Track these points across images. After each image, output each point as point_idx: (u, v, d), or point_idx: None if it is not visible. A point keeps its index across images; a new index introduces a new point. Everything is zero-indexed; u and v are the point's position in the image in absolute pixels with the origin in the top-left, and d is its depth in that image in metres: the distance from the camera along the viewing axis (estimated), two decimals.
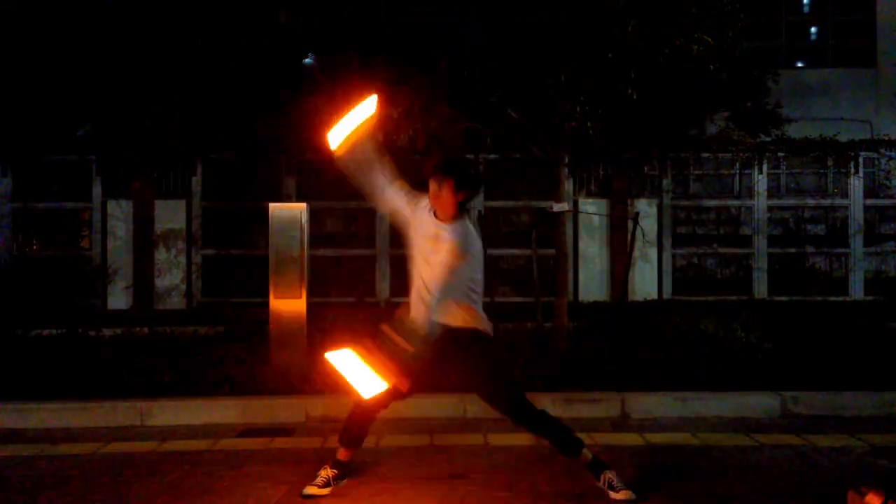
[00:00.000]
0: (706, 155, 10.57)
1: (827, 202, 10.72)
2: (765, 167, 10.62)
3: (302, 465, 3.76)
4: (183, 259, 10.18)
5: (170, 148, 9.05)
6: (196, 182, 10.34)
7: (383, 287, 10.36)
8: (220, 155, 10.11)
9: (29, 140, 9.55)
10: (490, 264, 9.59)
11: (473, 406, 4.71)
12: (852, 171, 10.58)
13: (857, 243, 10.56)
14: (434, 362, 3.20)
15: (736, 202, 10.80)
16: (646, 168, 10.36)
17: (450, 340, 3.16)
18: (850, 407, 4.83)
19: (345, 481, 3.41)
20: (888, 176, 10.67)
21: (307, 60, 9.00)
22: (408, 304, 3.22)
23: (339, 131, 3.18)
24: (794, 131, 10.15)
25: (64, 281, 10.02)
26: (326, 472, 3.36)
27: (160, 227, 10.11)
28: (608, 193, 10.39)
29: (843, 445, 4.15)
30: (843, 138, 10.58)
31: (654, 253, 10.36)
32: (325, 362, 3.02)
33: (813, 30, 13.50)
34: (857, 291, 10.49)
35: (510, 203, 10.51)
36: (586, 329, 6.51)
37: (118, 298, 10.01)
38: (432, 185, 3.20)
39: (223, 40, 8.18)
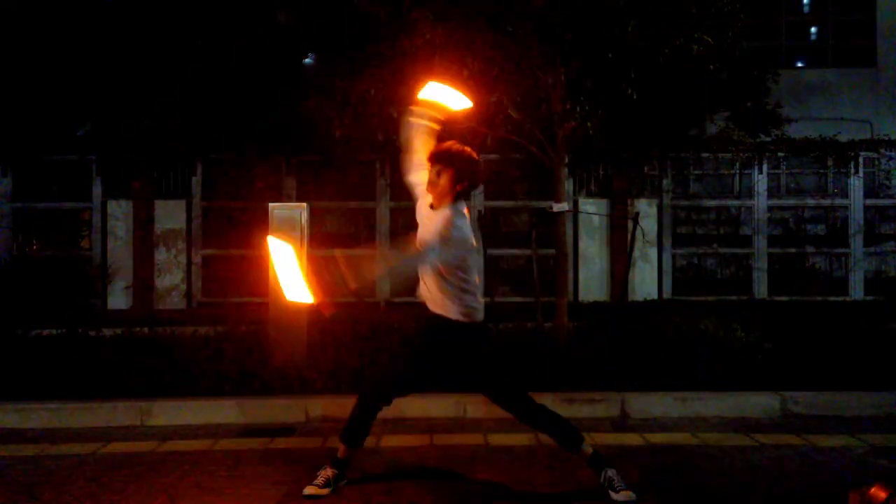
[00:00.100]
0: (706, 155, 10.57)
1: (827, 202, 10.72)
2: (765, 167, 10.62)
3: (302, 465, 3.76)
4: (183, 259, 10.18)
5: (170, 148, 9.05)
6: (196, 182, 10.34)
7: (383, 287, 10.36)
8: (220, 155, 10.11)
9: (29, 140, 9.55)
10: (490, 264, 9.61)
11: (473, 406, 4.72)
12: (852, 171, 10.58)
13: (857, 243, 10.56)
14: (422, 348, 3.32)
15: (736, 202, 10.80)
16: (646, 168, 10.36)
17: (431, 325, 3.28)
18: (850, 407, 4.83)
19: (345, 481, 3.41)
20: (888, 176, 10.67)
21: (307, 60, 9.01)
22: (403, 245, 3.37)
23: (436, 92, 3.36)
24: (794, 131, 10.15)
25: (64, 281, 10.01)
26: (326, 472, 3.36)
27: (160, 227, 10.11)
28: (608, 193, 10.39)
29: (843, 445, 4.15)
30: (843, 138, 10.58)
31: (654, 253, 10.36)
32: (265, 242, 3.03)
33: (813, 30, 13.49)
34: (857, 291, 10.49)
35: (510, 203, 10.51)
36: (586, 329, 6.50)
37: (118, 298, 10.01)
38: (431, 172, 3.22)
39: (223, 40, 8.18)
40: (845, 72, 12.82)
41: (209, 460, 3.93)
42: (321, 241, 10.07)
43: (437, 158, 3.23)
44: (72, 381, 5.08)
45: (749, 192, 10.71)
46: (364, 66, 6.09)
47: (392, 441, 4.26)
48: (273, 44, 8.53)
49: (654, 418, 4.77)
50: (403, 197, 9.93)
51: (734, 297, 10.12)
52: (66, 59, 8.18)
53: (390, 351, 3.44)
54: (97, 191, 10.25)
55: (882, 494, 2.61)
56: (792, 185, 10.83)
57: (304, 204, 5.51)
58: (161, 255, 10.10)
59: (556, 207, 5.98)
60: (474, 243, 3.25)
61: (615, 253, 10.13)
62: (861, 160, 10.58)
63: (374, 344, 5.78)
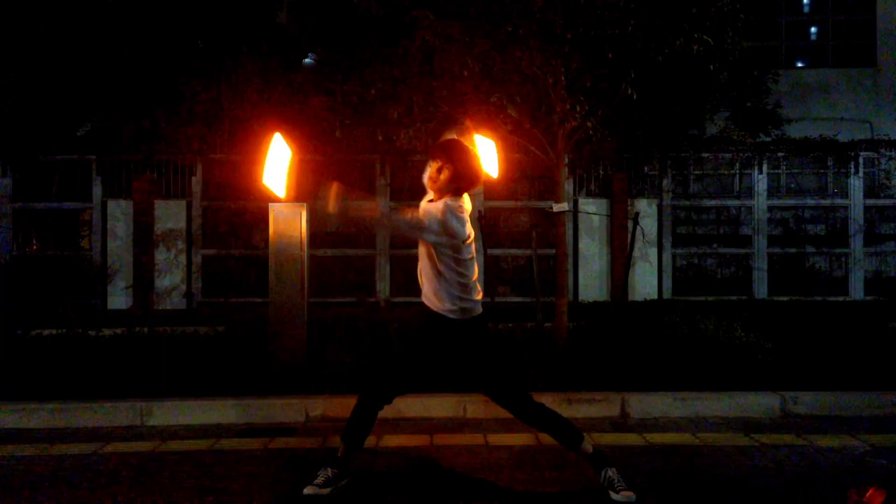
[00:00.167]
0: (706, 155, 10.58)
1: (827, 202, 10.73)
2: (765, 167, 10.62)
3: (302, 465, 3.76)
4: (183, 259, 10.18)
5: (170, 148, 9.06)
6: (196, 182, 10.34)
7: (383, 287, 10.36)
8: (220, 155, 10.11)
9: (29, 140, 9.56)
10: (490, 264, 9.61)
11: (473, 406, 4.72)
12: (852, 171, 10.58)
13: (857, 243, 10.57)
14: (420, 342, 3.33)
15: (736, 202, 10.80)
16: (646, 168, 10.36)
17: (430, 323, 3.30)
18: (850, 407, 4.83)
19: (345, 481, 3.40)
20: (888, 176, 10.67)
21: (307, 61, 9.01)
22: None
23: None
24: (794, 131, 10.17)
25: (64, 281, 10.03)
26: (326, 472, 3.36)
27: (160, 227, 10.12)
28: (608, 193, 10.39)
29: (843, 445, 4.15)
30: (843, 138, 10.59)
31: (654, 253, 10.36)
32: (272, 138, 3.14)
33: (813, 30, 13.50)
34: (857, 291, 10.50)
35: (510, 203, 10.52)
36: (586, 329, 6.50)
37: (118, 298, 10.01)
38: (432, 167, 3.23)
39: (223, 40, 8.19)
40: (845, 72, 12.84)
41: (209, 460, 3.93)
42: (321, 241, 10.09)
43: (438, 154, 3.24)
44: (72, 381, 5.08)
45: (749, 192, 10.71)
46: (364, 66, 6.09)
47: (392, 441, 4.26)
48: (272, 44, 8.54)
49: (654, 418, 4.77)
50: (403, 197, 9.98)
51: (734, 297, 10.13)
52: (66, 59, 8.19)
53: (391, 349, 3.45)
54: (97, 191, 10.25)
55: (880, 497, 2.62)
56: (792, 185, 10.83)
57: (304, 204, 5.51)
58: (161, 255, 10.11)
59: (556, 207, 5.98)
60: (468, 238, 3.24)
61: (615, 253, 10.14)
62: (861, 160, 10.58)
63: (374, 344, 5.78)
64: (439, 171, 3.22)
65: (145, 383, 5.06)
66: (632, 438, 4.34)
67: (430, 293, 3.27)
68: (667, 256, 10.54)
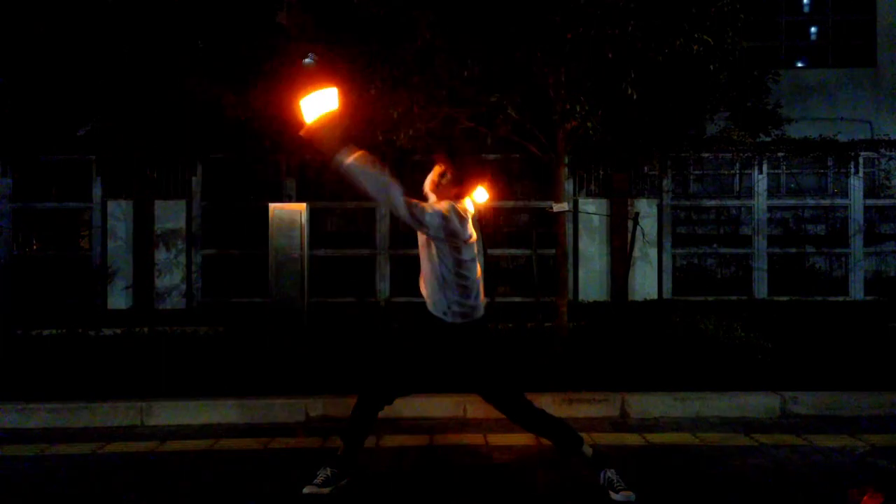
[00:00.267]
0: (706, 155, 10.58)
1: (827, 202, 10.73)
2: (765, 167, 10.63)
3: (302, 465, 3.76)
4: (183, 259, 10.18)
5: (170, 148, 9.06)
6: (196, 182, 10.34)
7: (383, 287, 10.36)
8: (220, 155, 10.12)
9: (29, 140, 9.56)
10: (490, 264, 9.61)
11: (473, 406, 4.72)
12: (852, 171, 10.59)
13: (857, 243, 10.57)
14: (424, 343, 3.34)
15: (736, 202, 10.80)
16: (646, 168, 10.36)
17: (431, 325, 3.31)
18: (850, 407, 4.83)
19: (345, 480, 3.40)
20: (888, 176, 10.67)
21: (307, 60, 9.00)
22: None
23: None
24: (794, 131, 10.16)
25: (64, 281, 10.04)
26: (326, 472, 3.36)
27: (160, 227, 10.12)
28: (608, 193, 10.39)
29: (843, 445, 4.15)
30: (843, 138, 10.60)
31: (654, 253, 10.36)
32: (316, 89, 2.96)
33: (813, 30, 13.49)
34: (857, 291, 10.50)
35: (510, 203, 10.52)
36: (586, 329, 6.50)
37: (118, 298, 10.01)
38: (435, 172, 3.28)
39: (224, 40, 8.18)
40: (845, 72, 12.82)
41: (209, 460, 3.93)
42: (321, 241, 10.09)
43: (443, 161, 3.29)
44: (72, 381, 5.08)
45: (749, 192, 10.71)
46: (364, 66, 6.09)
47: (392, 441, 4.26)
48: (272, 43, 8.53)
49: (654, 418, 4.77)
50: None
51: (734, 297, 10.13)
52: (66, 59, 8.18)
53: (392, 350, 3.46)
54: (97, 191, 10.26)
55: (877, 500, 2.62)
56: (792, 185, 10.83)
57: (304, 204, 5.51)
58: (161, 255, 10.11)
59: (556, 207, 5.98)
60: (469, 237, 3.25)
61: (615, 253, 10.14)
62: (861, 160, 10.59)
63: (374, 343, 5.78)
64: (442, 175, 3.31)
65: (145, 383, 5.06)
66: (632, 438, 4.34)
67: (431, 296, 3.28)
68: (667, 256, 10.54)
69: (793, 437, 4.33)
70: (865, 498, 2.65)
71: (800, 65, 13.27)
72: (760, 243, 10.60)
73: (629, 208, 10.06)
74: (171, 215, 10.16)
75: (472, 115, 6.01)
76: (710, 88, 6.57)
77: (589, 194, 10.50)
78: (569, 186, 10.31)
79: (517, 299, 9.63)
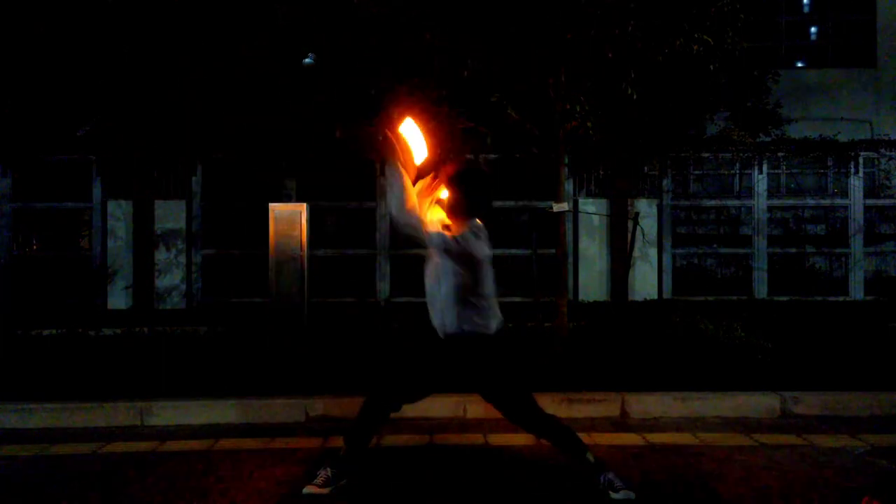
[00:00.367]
0: (706, 155, 10.58)
1: (827, 202, 10.73)
2: (765, 167, 10.63)
3: (302, 465, 3.76)
4: (183, 259, 10.18)
5: (170, 148, 9.06)
6: (196, 182, 10.34)
7: (383, 287, 10.36)
8: (220, 155, 10.11)
9: (29, 140, 9.56)
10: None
11: (473, 406, 4.72)
12: (852, 171, 10.59)
13: (857, 243, 10.57)
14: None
15: (736, 202, 10.80)
16: (646, 168, 10.36)
17: (444, 339, 3.31)
18: (850, 407, 4.83)
19: (345, 481, 3.41)
20: (888, 176, 10.68)
21: (307, 60, 9.00)
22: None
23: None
24: (794, 131, 10.17)
25: (64, 281, 10.04)
26: (327, 472, 3.36)
27: (160, 227, 10.12)
28: (608, 193, 10.39)
29: (843, 445, 4.15)
30: (843, 138, 10.59)
31: (654, 253, 10.36)
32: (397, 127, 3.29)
33: (813, 30, 13.50)
34: (857, 291, 10.50)
35: (510, 203, 10.52)
36: (586, 329, 6.50)
37: (118, 298, 10.02)
38: (450, 193, 3.31)
39: (224, 41, 8.18)
40: (845, 72, 12.83)
41: (209, 460, 3.93)
42: (321, 241, 10.09)
43: (452, 180, 3.29)
44: (72, 381, 5.08)
45: (749, 192, 10.71)
46: (364, 66, 6.10)
47: (392, 441, 4.26)
48: (274, 44, 8.53)
49: (654, 418, 4.77)
50: None
51: (734, 297, 10.13)
52: (67, 59, 8.18)
53: (401, 356, 3.48)
54: (97, 191, 10.26)
55: None
56: (792, 185, 10.84)
57: (304, 204, 5.52)
58: (161, 255, 10.11)
59: (556, 207, 5.98)
60: (481, 256, 3.25)
61: (615, 253, 10.14)
62: (861, 160, 10.58)
63: (374, 344, 5.78)
64: (452, 194, 3.30)
65: (145, 383, 5.06)
66: (632, 438, 4.33)
67: (445, 311, 3.27)
68: (667, 256, 10.54)
69: (793, 437, 4.32)
70: (865, 499, 2.66)
71: (800, 65, 13.28)
72: (760, 243, 10.60)
73: (629, 208, 10.06)
74: (171, 215, 10.16)
75: (472, 115, 6.02)
76: (710, 88, 6.59)
77: (589, 194, 10.50)
78: (569, 186, 10.31)
79: (517, 299, 9.62)
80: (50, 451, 4.14)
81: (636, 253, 9.80)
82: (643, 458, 3.96)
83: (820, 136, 10.55)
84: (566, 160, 6.41)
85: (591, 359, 5.46)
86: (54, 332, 6.67)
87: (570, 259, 10.16)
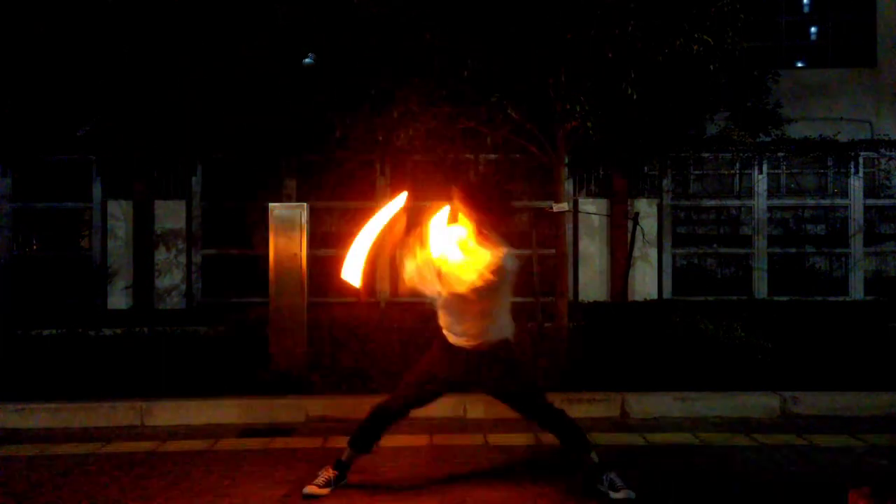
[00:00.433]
0: (706, 155, 10.57)
1: (827, 202, 10.72)
2: (765, 167, 10.62)
3: (302, 465, 3.76)
4: (183, 259, 10.18)
5: (170, 148, 9.06)
6: (196, 182, 10.34)
7: (383, 287, 10.36)
8: (220, 155, 10.11)
9: (29, 140, 9.56)
10: None
11: (473, 406, 4.72)
12: (852, 171, 10.58)
13: (857, 243, 10.56)
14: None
15: (736, 202, 10.80)
16: (646, 168, 10.36)
17: (460, 350, 3.42)
18: (850, 407, 4.83)
19: (344, 481, 3.41)
20: (888, 176, 10.67)
21: (307, 60, 8.99)
22: None
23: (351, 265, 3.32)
24: (794, 131, 10.16)
25: (64, 281, 10.03)
26: (327, 473, 3.37)
27: (160, 227, 10.11)
28: (608, 193, 10.38)
29: (843, 445, 4.15)
30: (843, 138, 10.58)
31: (654, 253, 10.36)
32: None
33: (813, 30, 13.50)
34: (857, 291, 10.49)
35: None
36: (586, 329, 6.50)
37: (118, 298, 10.01)
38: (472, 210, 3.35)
39: (224, 40, 8.18)
40: (845, 72, 12.83)
41: (209, 460, 3.93)
42: (321, 241, 10.09)
43: (471, 198, 3.36)
44: (72, 381, 5.08)
45: (749, 192, 10.71)
46: (364, 66, 6.09)
47: (392, 441, 4.25)
48: (274, 44, 8.53)
49: (654, 418, 4.77)
50: None
51: (734, 297, 10.12)
52: (66, 59, 8.18)
53: (415, 365, 3.50)
54: (97, 191, 10.25)
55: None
56: (792, 185, 10.83)
57: (304, 204, 5.51)
58: (161, 255, 10.10)
59: (556, 207, 5.97)
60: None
61: (615, 253, 10.13)
62: (861, 160, 10.58)
63: (374, 344, 5.78)
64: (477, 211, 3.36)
65: (145, 383, 5.06)
66: (632, 438, 4.34)
67: (478, 323, 3.32)
68: (667, 256, 10.54)
69: (793, 437, 4.33)
70: (864, 500, 2.65)
71: (800, 65, 13.27)
72: (760, 243, 10.60)
73: (629, 208, 10.05)
74: (171, 215, 10.15)
75: (472, 115, 6.01)
76: (710, 88, 6.58)
77: (589, 194, 10.49)
78: (569, 186, 10.30)
79: (517, 299, 9.62)
80: (50, 451, 4.14)
81: (636, 253, 9.80)
82: (643, 458, 3.96)
83: (820, 136, 10.54)
84: (566, 160, 6.40)
85: (591, 359, 5.46)
86: (54, 331, 6.66)
87: (570, 259, 10.15)
